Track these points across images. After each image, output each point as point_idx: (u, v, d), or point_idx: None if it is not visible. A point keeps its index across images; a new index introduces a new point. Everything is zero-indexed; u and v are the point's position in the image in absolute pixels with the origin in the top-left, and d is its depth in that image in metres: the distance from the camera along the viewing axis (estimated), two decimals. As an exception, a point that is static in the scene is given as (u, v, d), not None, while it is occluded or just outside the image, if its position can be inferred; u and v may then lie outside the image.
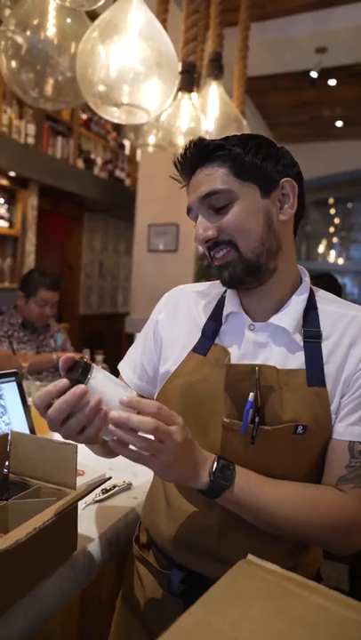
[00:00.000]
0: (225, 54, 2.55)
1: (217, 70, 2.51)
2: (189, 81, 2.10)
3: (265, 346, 0.85)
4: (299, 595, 0.64)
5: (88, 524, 0.98)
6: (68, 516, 0.82)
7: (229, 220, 0.81)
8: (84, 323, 5.74)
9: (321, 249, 7.73)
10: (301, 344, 0.83)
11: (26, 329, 2.49)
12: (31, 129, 4.05)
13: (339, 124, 5.97)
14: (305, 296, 0.87)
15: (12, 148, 3.82)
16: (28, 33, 1.78)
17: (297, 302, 0.86)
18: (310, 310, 0.86)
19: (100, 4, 1.37)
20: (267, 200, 0.83)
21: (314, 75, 4.30)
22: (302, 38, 3.91)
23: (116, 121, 1.73)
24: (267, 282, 0.86)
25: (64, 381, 0.67)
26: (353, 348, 0.82)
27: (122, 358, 1.05)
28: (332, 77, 4.63)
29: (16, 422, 1.30)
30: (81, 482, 0.86)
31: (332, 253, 7.64)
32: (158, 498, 0.92)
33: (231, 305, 0.89)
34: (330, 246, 7.66)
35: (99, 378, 0.69)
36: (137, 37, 1.58)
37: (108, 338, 5.95)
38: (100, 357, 2.23)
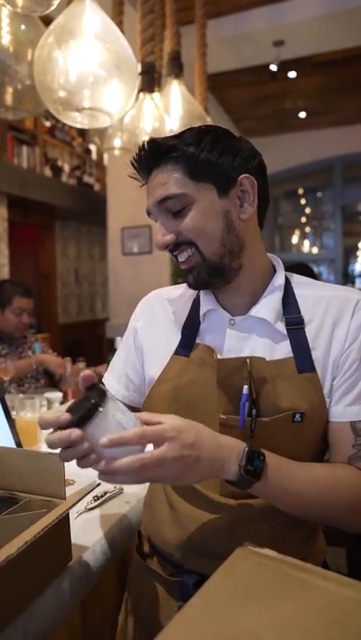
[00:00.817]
0: (184, 53, 2.56)
1: (177, 69, 2.51)
2: (150, 81, 2.10)
3: (248, 339, 0.85)
4: (298, 578, 0.64)
5: (82, 533, 0.97)
6: (61, 527, 0.81)
7: (187, 225, 0.80)
8: (64, 332, 5.69)
9: (295, 239, 7.81)
10: (285, 332, 0.83)
11: (2, 342, 2.46)
12: (-6, 140, 4.00)
13: (302, 115, 6.03)
14: (281, 284, 0.86)
15: (-24, 160, 3.77)
16: (-18, 43, 1.75)
17: (274, 292, 0.85)
18: (289, 297, 0.86)
19: (53, 8, 1.35)
20: (225, 200, 0.81)
21: (273, 68, 4.32)
22: (259, 32, 3.94)
23: (78, 126, 1.71)
24: (234, 280, 0.85)
25: (65, 416, 0.64)
26: (337, 329, 0.82)
27: (104, 363, 1.05)
28: (291, 69, 4.67)
29: (1, 437, 1.28)
30: (71, 491, 0.86)
31: (306, 243, 7.72)
32: (160, 505, 0.91)
33: (208, 303, 0.89)
34: (303, 236, 7.74)
35: (105, 415, 0.65)
36: (93, 40, 1.57)
37: (89, 345, 5.91)
38: (81, 365, 2.21)
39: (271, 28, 3.89)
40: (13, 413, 1.37)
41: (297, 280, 0.90)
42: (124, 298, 4.26)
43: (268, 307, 0.84)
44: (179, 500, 0.86)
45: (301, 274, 0.94)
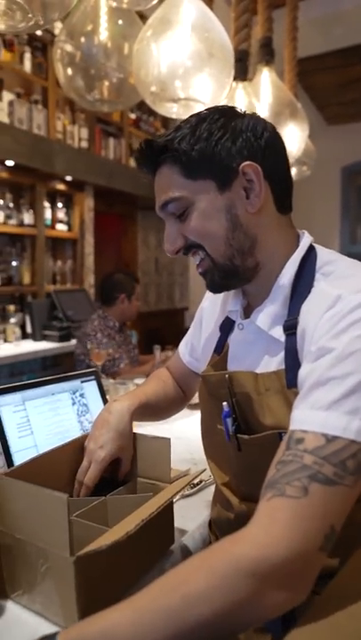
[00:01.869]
0: (273, 38, 2.49)
1: (268, 56, 2.46)
2: (243, 69, 2.07)
3: (253, 346, 0.79)
4: None
5: (182, 519, 0.99)
6: (166, 510, 0.83)
7: (190, 228, 0.76)
8: (143, 320, 5.81)
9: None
10: (283, 339, 0.74)
11: (120, 330, 2.65)
12: (84, 133, 4.13)
13: (393, 97, 5.70)
14: (285, 282, 0.75)
15: (67, 153, 3.92)
16: (82, 40, 1.82)
17: (276, 292, 0.77)
18: (300, 293, 0.73)
19: (155, 1, 1.37)
20: (227, 194, 0.74)
21: (366, 48, 4.12)
22: (352, 10, 3.76)
23: (174, 116, 1.73)
24: (254, 278, 0.79)
25: None
26: (306, 334, 0.69)
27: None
28: (384, 49, 4.42)
29: (99, 420, 1.33)
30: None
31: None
32: (213, 501, 0.93)
33: (234, 301, 0.86)
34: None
35: None
36: (190, 30, 1.58)
37: (167, 333, 6.00)
38: (170, 353, 2.28)
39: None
40: (109, 398, 1.43)
41: (331, 271, 0.73)
42: (204, 287, 4.27)
43: (264, 311, 0.77)
44: (217, 500, 0.88)
45: None
